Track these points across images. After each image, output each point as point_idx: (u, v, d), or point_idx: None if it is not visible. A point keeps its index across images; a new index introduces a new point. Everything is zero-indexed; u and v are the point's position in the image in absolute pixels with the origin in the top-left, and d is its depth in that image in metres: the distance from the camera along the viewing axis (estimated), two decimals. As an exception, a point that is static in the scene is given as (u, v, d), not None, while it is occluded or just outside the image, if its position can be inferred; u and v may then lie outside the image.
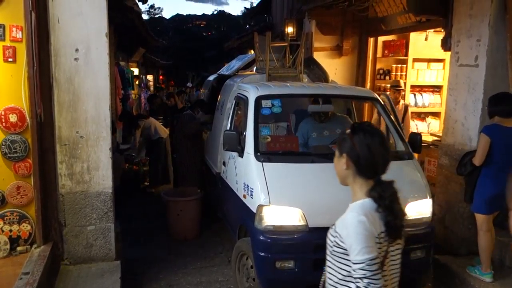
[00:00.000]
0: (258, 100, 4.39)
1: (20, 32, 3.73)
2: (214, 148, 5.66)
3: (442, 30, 5.60)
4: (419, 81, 7.77)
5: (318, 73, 5.51)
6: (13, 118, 3.79)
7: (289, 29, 7.67)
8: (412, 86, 7.75)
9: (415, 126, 7.56)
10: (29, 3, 3.60)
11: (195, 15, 75.07)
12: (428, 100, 7.74)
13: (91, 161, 4.10)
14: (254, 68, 6.08)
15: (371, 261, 1.70)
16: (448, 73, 5.57)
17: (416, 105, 7.63)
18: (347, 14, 8.02)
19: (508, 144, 4.01)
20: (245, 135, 4.29)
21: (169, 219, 5.81)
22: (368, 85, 8.36)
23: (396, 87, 7.06)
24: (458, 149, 5.00)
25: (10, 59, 3.75)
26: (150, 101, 11.26)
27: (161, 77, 33.21)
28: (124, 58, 13.78)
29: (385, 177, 4.29)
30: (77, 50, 3.94)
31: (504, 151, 4.02)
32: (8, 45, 3.73)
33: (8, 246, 3.83)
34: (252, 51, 15.87)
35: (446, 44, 5.40)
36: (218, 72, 8.06)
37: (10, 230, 3.89)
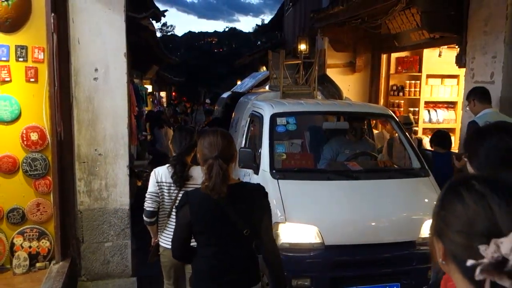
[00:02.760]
0: (273, 118, 4.43)
1: (42, 53, 3.84)
2: (228, 165, 5.68)
3: (456, 46, 5.62)
4: (433, 97, 7.77)
5: (331, 90, 5.55)
6: (34, 136, 3.87)
7: (302, 46, 7.73)
8: (426, 102, 7.75)
9: (429, 142, 7.53)
10: (51, 25, 3.70)
11: (207, 32, 75.79)
12: (442, 116, 7.72)
13: (109, 178, 4.16)
14: (268, 86, 6.14)
15: (148, 193, 3.31)
16: (463, 90, 5.58)
17: (430, 121, 7.62)
18: (359, 31, 8.07)
19: (441, 166, 4.74)
20: (260, 152, 4.32)
21: None
22: (381, 101, 8.37)
23: (406, 124, 5.75)
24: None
25: (32, 79, 3.85)
26: (150, 117, 11.46)
27: (173, 93, 33.57)
28: (138, 75, 14.00)
29: (402, 194, 4.21)
30: (96, 70, 4.02)
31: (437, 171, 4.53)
32: (31, 65, 3.84)
33: (27, 263, 3.88)
34: (264, 68, 16.01)
35: (460, 61, 5.41)
36: (231, 90, 8.14)
37: (30, 247, 3.95)
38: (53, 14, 3.73)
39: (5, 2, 3.69)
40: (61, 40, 3.86)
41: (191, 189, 3.00)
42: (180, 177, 3.27)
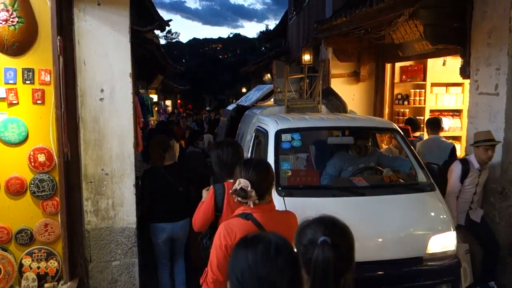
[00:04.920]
0: (278, 134, 4.44)
1: (49, 76, 3.88)
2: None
3: (460, 57, 5.62)
4: (438, 105, 7.77)
5: (336, 104, 5.56)
6: (41, 158, 3.91)
7: (306, 57, 7.74)
8: (431, 111, 7.74)
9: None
10: (57, 48, 3.75)
11: (211, 38, 76.03)
12: (448, 124, 7.71)
13: (115, 197, 4.19)
14: (272, 99, 6.16)
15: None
16: (467, 99, 5.58)
17: (436, 129, 7.59)
18: (363, 41, 8.09)
19: None
20: (266, 169, 4.32)
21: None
22: (386, 110, 8.37)
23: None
24: (481, 178, 4.97)
25: (39, 101, 3.89)
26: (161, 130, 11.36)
27: (179, 101, 33.71)
28: (143, 86, 14.09)
29: (408, 209, 4.23)
30: (102, 90, 4.06)
31: None
32: (37, 88, 3.88)
33: (36, 283, 3.91)
34: (269, 75, 16.03)
35: (464, 72, 5.41)
36: (237, 102, 8.17)
37: (38, 267, 3.97)
38: (59, 37, 3.77)
39: (12, 27, 3.74)
40: (67, 62, 3.91)
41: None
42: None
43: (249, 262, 1.32)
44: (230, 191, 2.48)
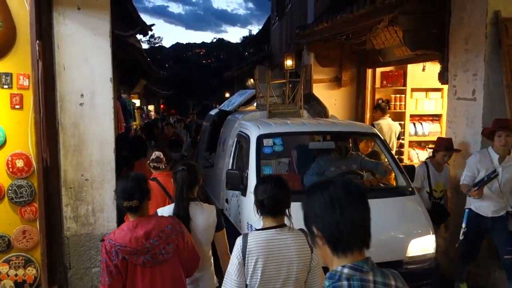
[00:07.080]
0: (259, 139, 4.45)
1: (27, 80, 3.84)
2: (216, 184, 5.69)
3: (439, 63, 5.71)
4: (418, 110, 7.85)
5: (318, 109, 5.59)
6: (19, 163, 3.86)
7: (288, 62, 7.78)
8: (412, 116, 7.83)
9: (416, 155, 7.63)
10: (36, 52, 3.71)
11: (195, 43, 75.81)
12: (428, 129, 7.81)
13: (96, 203, 4.15)
14: (255, 104, 6.17)
15: None
16: (446, 104, 5.66)
17: (416, 134, 7.71)
18: (345, 46, 8.16)
19: None
20: (247, 174, 4.34)
21: None
22: (368, 115, 8.44)
23: None
24: (460, 181, 5.04)
25: (17, 106, 3.84)
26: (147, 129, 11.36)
27: (162, 106, 33.47)
28: (125, 90, 13.96)
29: (388, 213, 4.30)
30: (82, 95, 4.03)
31: None
32: (16, 92, 3.83)
33: (13, 291, 3.84)
34: (251, 80, 16.07)
35: (443, 78, 5.50)
36: (219, 108, 8.17)
37: (16, 275, 3.91)
38: (38, 41, 3.74)
39: (-10, 31, 3.69)
40: (46, 66, 3.88)
41: None
42: None
43: (119, 183, 2.73)
44: (148, 161, 3.89)
